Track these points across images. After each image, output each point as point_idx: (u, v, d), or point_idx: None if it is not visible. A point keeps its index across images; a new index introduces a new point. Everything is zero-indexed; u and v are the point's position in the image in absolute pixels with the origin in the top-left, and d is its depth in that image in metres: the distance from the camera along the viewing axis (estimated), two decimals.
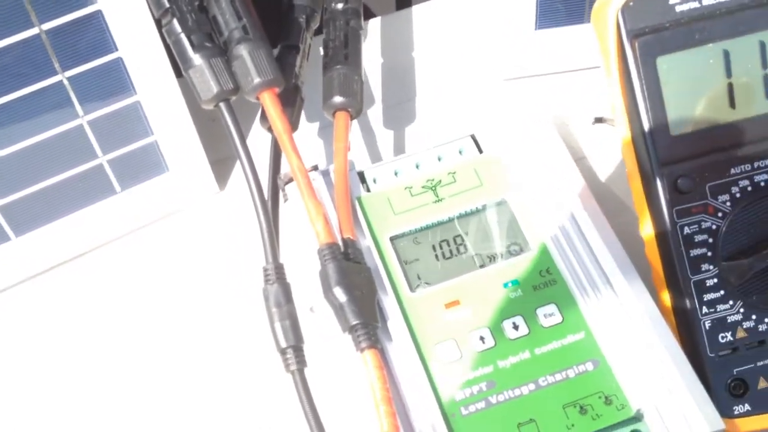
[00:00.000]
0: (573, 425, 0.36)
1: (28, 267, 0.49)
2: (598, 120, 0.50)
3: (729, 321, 0.38)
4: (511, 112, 0.47)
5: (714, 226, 0.39)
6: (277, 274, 0.40)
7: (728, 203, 0.39)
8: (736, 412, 0.38)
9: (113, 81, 0.45)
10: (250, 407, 0.44)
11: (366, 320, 0.38)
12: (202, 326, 0.47)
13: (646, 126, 0.39)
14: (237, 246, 0.49)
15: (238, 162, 0.51)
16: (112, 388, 0.46)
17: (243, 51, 0.42)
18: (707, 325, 0.38)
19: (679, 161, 0.39)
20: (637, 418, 0.36)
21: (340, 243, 0.40)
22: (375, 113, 0.54)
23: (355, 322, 0.37)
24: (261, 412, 0.44)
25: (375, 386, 0.36)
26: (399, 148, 0.52)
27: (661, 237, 0.39)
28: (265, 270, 0.41)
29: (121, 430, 0.44)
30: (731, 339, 0.38)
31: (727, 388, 0.38)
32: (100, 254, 0.50)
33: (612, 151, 0.49)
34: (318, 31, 0.51)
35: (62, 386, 0.46)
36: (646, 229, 0.40)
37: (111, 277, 0.49)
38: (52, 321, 0.48)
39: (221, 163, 0.52)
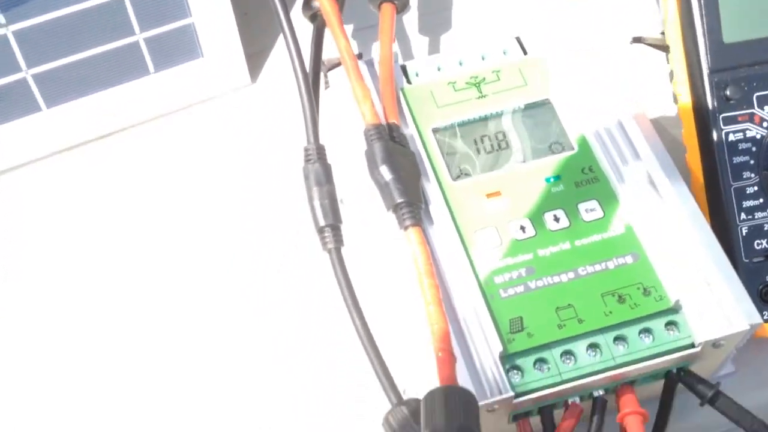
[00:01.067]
0: (611, 312, 0.36)
1: (56, 140, 0.48)
2: (636, 40, 0.49)
3: (766, 228, 0.39)
4: (553, 22, 0.47)
5: (758, 135, 0.39)
6: (318, 154, 0.40)
7: None
8: (765, 317, 0.38)
9: None
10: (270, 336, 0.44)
11: (411, 199, 0.38)
12: (224, 214, 0.47)
13: (699, 31, 0.39)
14: (269, 136, 0.49)
15: (270, 56, 0.51)
16: (125, 275, 0.45)
17: None
18: (744, 231, 0.39)
19: (729, 69, 0.40)
20: (675, 309, 0.36)
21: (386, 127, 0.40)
22: (410, 18, 0.54)
23: (400, 200, 0.37)
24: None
25: (419, 261, 0.36)
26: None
27: (705, 143, 0.40)
28: (306, 150, 0.41)
29: (131, 332, 0.44)
30: (766, 246, 0.39)
31: (758, 293, 0.39)
32: (128, 135, 0.50)
33: (650, 72, 0.49)
34: None
35: (78, 263, 0.46)
36: (690, 135, 0.40)
37: (137, 159, 0.49)
38: (76, 197, 0.48)
39: (254, 56, 0.52)
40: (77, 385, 0.43)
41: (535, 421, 0.37)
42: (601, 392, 0.37)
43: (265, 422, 0.42)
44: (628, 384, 0.37)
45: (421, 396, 0.32)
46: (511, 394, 0.35)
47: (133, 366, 0.43)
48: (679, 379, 0.37)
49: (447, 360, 0.33)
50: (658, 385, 0.38)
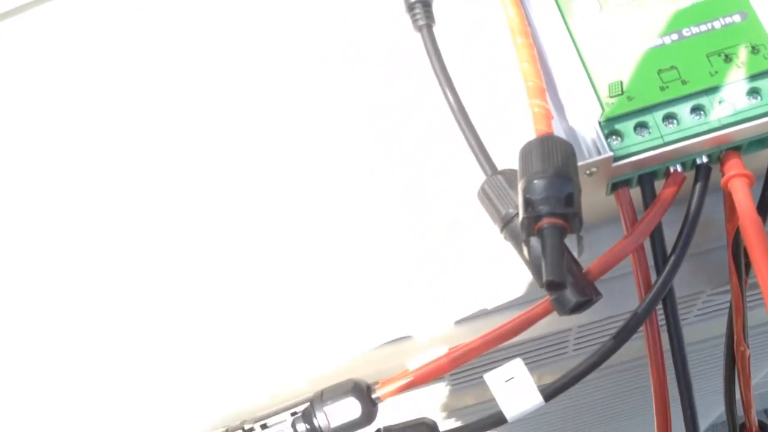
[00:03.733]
0: (716, 72, 0.35)
1: None
2: None
3: None
4: None
5: None
6: None
7: None
8: None
9: None
10: None
11: None
12: None
13: None
14: None
15: None
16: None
17: None
18: None
19: None
20: None
21: None
22: None
23: None
24: None
25: (513, 21, 0.35)
26: None
27: None
28: None
29: None
30: None
31: None
32: None
33: None
34: None
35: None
36: None
37: None
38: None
39: None
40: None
41: (635, 196, 0.37)
42: (704, 159, 0.36)
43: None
44: (734, 149, 0.36)
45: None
46: (611, 154, 0.34)
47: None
48: None
49: (542, 114, 0.32)
50: (766, 157, 0.37)
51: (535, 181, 0.30)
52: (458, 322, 0.42)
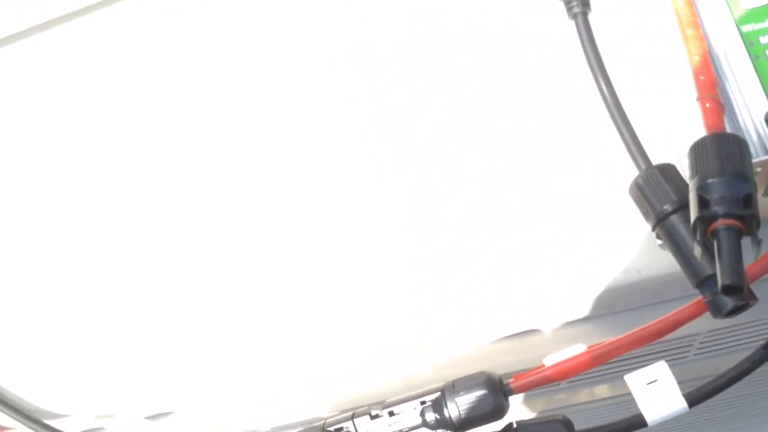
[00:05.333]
0: None
1: None
2: None
3: None
4: None
5: None
6: None
7: None
8: None
9: None
10: None
11: None
12: None
13: None
14: None
15: None
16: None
17: None
18: None
19: None
20: None
21: None
22: None
23: None
24: None
25: (682, 12, 0.34)
26: None
27: None
28: None
29: None
30: None
31: None
32: None
33: None
34: None
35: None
36: None
37: None
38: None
39: None
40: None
41: None
42: None
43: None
44: None
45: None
46: None
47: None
48: None
49: (715, 108, 0.31)
50: None
51: (711, 180, 0.29)
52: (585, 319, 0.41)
